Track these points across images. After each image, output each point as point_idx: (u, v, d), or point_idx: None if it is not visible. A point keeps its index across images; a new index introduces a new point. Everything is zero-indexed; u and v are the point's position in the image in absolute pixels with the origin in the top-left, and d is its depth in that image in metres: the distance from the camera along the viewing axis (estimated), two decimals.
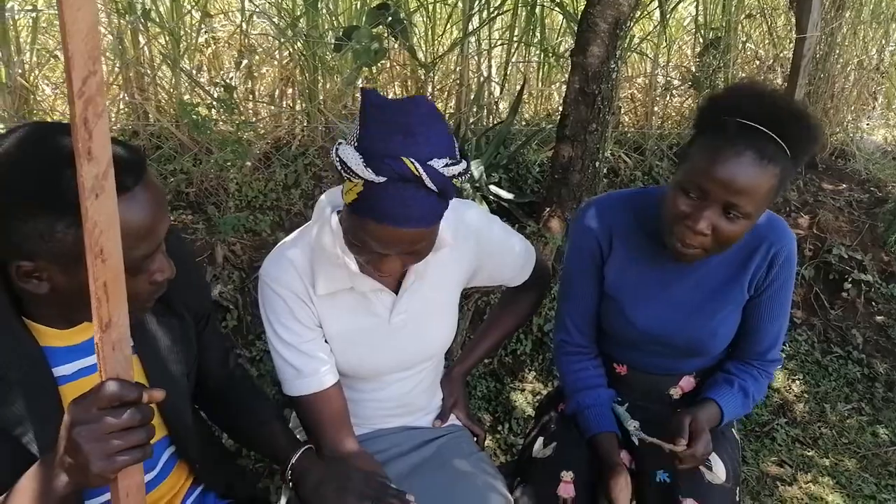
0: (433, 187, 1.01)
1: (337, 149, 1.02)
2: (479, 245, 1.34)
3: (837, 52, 4.10)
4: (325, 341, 1.26)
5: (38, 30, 3.09)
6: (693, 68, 4.09)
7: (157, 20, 3.01)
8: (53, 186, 0.81)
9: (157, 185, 0.89)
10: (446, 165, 1.01)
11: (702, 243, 1.21)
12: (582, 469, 1.39)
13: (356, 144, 1.01)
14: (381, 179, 0.99)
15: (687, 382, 1.47)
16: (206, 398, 1.31)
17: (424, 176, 0.99)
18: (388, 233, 1.03)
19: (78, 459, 0.74)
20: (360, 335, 1.27)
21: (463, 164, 1.04)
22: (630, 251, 1.39)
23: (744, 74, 4.19)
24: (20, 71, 2.96)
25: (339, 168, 1.02)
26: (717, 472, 1.40)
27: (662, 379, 1.48)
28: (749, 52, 4.28)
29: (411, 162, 0.98)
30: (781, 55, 4.12)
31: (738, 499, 1.41)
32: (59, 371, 0.98)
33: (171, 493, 1.18)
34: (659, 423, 1.47)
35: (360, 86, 3.58)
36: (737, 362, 1.45)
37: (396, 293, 1.27)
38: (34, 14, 3.06)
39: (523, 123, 3.90)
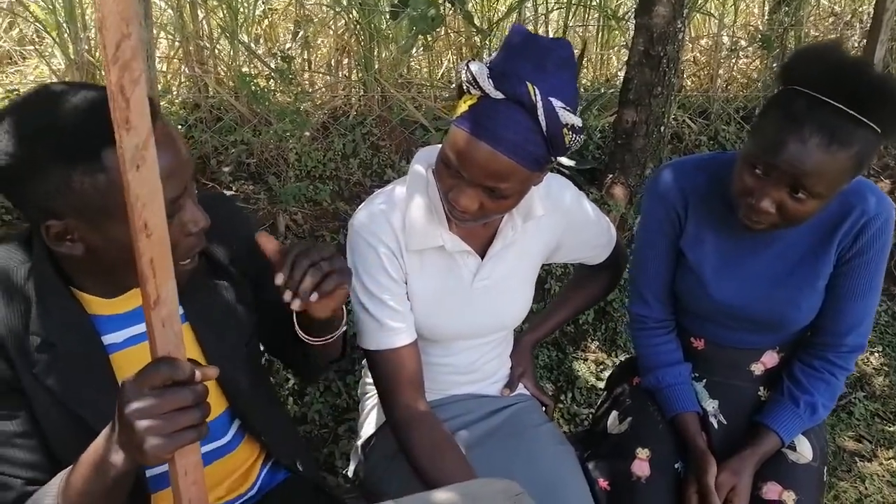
0: (543, 122, 1.00)
1: (468, 62, 1.03)
2: (567, 221, 1.33)
3: None
4: (408, 299, 1.25)
5: None
6: (762, 27, 3.89)
7: None
8: (58, 134, 0.79)
9: (172, 131, 0.87)
10: (563, 108, 1.01)
11: (767, 220, 1.16)
12: (658, 447, 1.35)
13: (489, 63, 1.03)
14: (498, 96, 1.00)
15: (770, 358, 1.40)
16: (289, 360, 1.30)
17: (539, 105, 0.99)
18: (475, 149, 1.02)
19: (132, 440, 0.73)
20: (442, 296, 1.26)
21: (579, 120, 1.03)
22: (707, 218, 1.33)
23: (817, 33, 3.98)
24: (87, 47, 3.02)
25: (464, 79, 1.03)
26: (802, 451, 1.34)
27: (743, 354, 1.41)
28: (824, 8, 4.05)
29: (532, 87, 0.98)
30: (860, 9, 3.88)
31: (825, 479, 1.35)
32: (108, 339, 0.97)
33: (245, 467, 1.18)
34: (739, 403, 1.41)
35: (415, 54, 3.54)
36: (811, 355, 1.36)
37: (483, 259, 1.26)
38: None
39: (583, 89, 3.79)
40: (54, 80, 2.91)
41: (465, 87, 1.05)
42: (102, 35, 0.60)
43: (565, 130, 1.02)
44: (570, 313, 1.62)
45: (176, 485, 0.75)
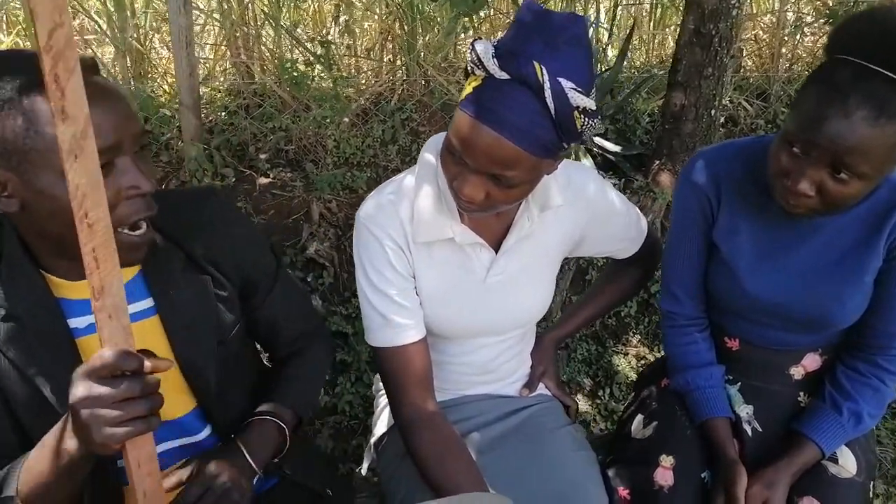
0: (550, 104, 0.93)
1: (474, 41, 0.97)
2: (589, 212, 1.25)
3: None
4: (416, 294, 1.20)
5: None
6: (830, 1, 3.65)
7: None
8: None
9: (115, 90, 0.87)
10: (574, 90, 0.93)
11: (806, 204, 1.06)
12: (684, 455, 1.26)
13: (496, 42, 0.97)
14: (503, 76, 0.93)
15: (811, 361, 1.30)
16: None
17: (547, 85, 0.92)
18: (479, 134, 0.95)
19: (81, 428, 0.75)
20: (453, 291, 1.20)
21: (592, 102, 0.95)
22: (742, 207, 1.23)
23: (893, 6, 3.70)
24: (135, 35, 3.07)
25: (469, 60, 0.98)
26: (846, 464, 1.23)
27: (781, 356, 1.30)
28: None
29: (540, 67, 0.92)
30: None
31: (871, 494, 1.24)
32: (73, 323, 0.97)
33: None
34: (776, 409, 1.31)
35: (462, 36, 3.47)
36: (857, 358, 1.25)
37: (496, 252, 1.20)
38: None
39: (634, 71, 3.65)
40: (104, 68, 2.97)
41: (469, 68, 0.99)
42: (35, 24, 0.59)
43: (576, 114, 0.94)
44: (598, 310, 1.53)
45: (131, 476, 0.77)
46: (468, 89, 0.98)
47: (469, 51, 0.97)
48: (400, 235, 1.14)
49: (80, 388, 0.74)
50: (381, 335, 1.16)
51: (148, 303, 1.01)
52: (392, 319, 1.15)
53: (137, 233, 0.91)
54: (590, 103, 0.94)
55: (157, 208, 0.98)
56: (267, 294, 1.16)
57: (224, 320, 1.08)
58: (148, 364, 0.75)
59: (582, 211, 1.24)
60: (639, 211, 1.38)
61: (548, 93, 0.92)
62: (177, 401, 1.06)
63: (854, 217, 1.15)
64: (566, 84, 0.92)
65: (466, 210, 1.07)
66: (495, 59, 0.93)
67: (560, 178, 1.19)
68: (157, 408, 0.76)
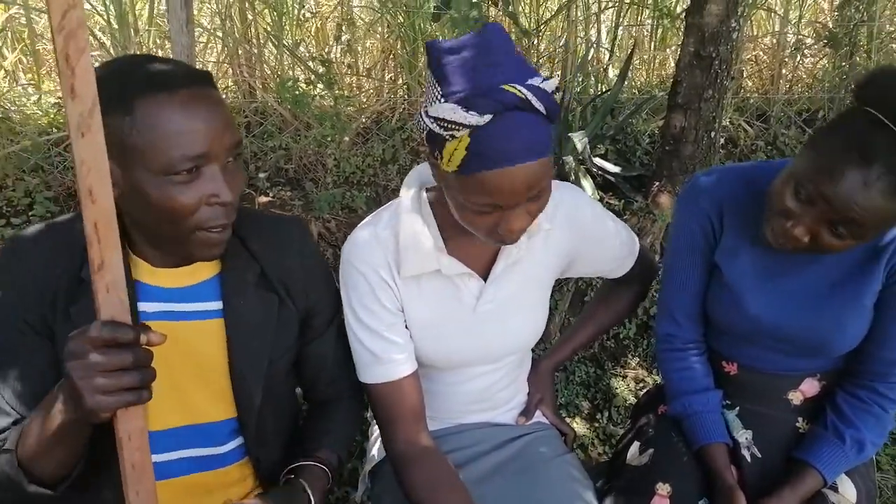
0: (541, 108, 0.92)
1: (424, 113, 0.93)
2: (577, 232, 1.23)
3: None
4: (406, 327, 1.19)
5: (154, 12, 3.20)
6: (830, 24, 3.67)
7: None
8: (109, 83, 0.85)
9: (216, 101, 0.91)
10: (543, 81, 0.93)
11: (795, 245, 1.06)
12: (681, 483, 1.24)
13: (443, 99, 0.91)
14: (488, 118, 0.89)
15: (810, 386, 1.28)
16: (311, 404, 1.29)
17: (531, 97, 0.90)
18: (511, 176, 0.93)
19: (72, 392, 0.77)
20: (444, 322, 1.19)
21: (551, 83, 0.94)
22: (744, 230, 1.22)
23: (893, 28, 3.72)
24: (138, 52, 3.09)
25: (436, 130, 0.92)
26: (846, 492, 1.21)
27: (780, 380, 1.29)
28: None
29: (513, 87, 0.90)
30: None
31: None
32: (142, 307, 1.01)
33: (238, 490, 1.14)
34: (775, 435, 1.30)
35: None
36: (856, 385, 1.23)
37: (485, 280, 1.18)
38: None
39: (635, 91, 3.66)
40: None
41: (445, 137, 0.93)
42: (49, 5, 0.62)
43: (555, 98, 0.94)
44: (593, 333, 1.52)
45: (120, 449, 0.78)
46: (459, 153, 0.92)
47: (424, 125, 0.93)
48: (385, 270, 1.13)
49: (75, 353, 0.76)
50: (372, 372, 1.15)
51: (217, 305, 1.06)
52: (382, 356, 1.14)
53: (215, 233, 0.94)
54: (553, 82, 0.94)
55: (246, 225, 1.06)
56: (324, 330, 1.18)
57: (280, 340, 1.11)
58: (143, 337, 0.77)
59: (573, 232, 1.22)
60: (630, 230, 1.36)
61: (534, 101, 0.91)
62: (216, 407, 1.08)
63: None
64: (536, 82, 0.92)
65: (512, 242, 1.05)
66: (470, 112, 0.89)
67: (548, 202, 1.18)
68: (148, 381, 0.77)
